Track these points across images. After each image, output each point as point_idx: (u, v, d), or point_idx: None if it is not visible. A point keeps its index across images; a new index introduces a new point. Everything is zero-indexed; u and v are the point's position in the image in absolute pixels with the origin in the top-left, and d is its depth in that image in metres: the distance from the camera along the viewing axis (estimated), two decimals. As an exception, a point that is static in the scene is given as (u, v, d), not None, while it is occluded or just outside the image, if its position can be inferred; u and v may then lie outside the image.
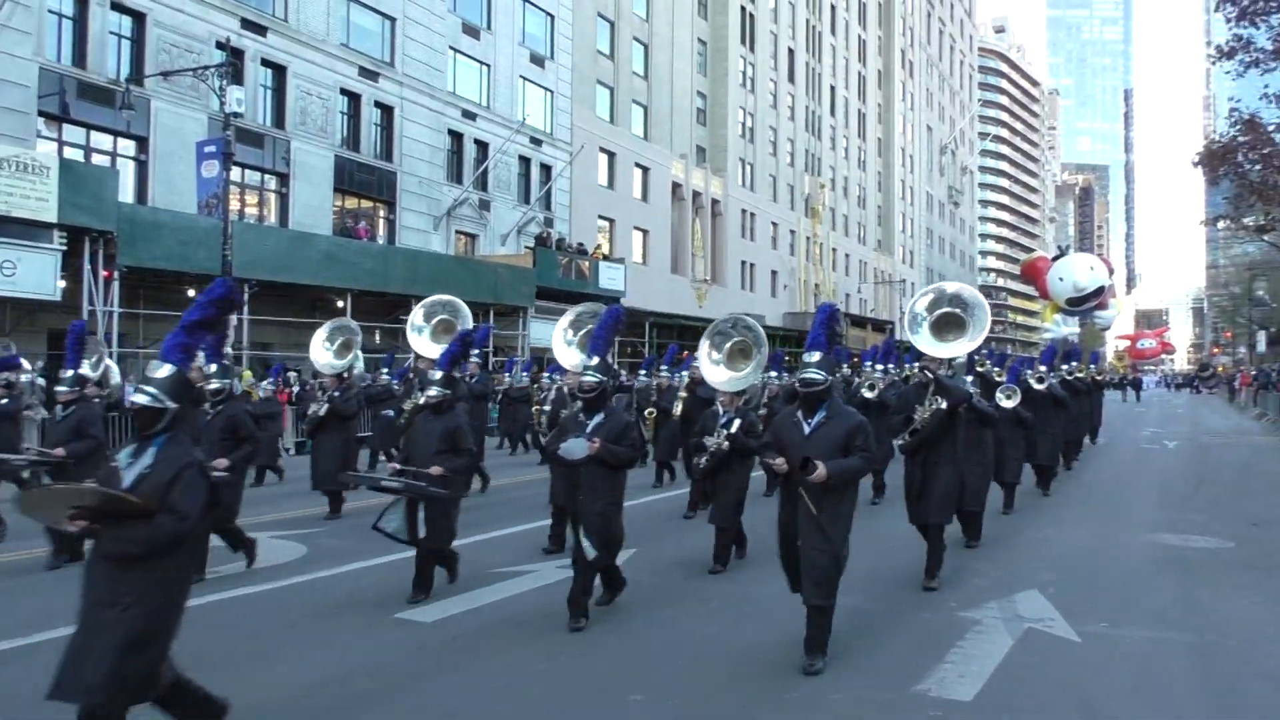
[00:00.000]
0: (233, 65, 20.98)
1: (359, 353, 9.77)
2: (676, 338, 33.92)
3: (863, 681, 5.50)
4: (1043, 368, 14.11)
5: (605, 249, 36.74)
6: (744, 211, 51.34)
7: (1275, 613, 7.04)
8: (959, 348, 7.72)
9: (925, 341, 7.61)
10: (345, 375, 10.54)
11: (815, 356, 5.76)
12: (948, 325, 7.56)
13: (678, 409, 12.86)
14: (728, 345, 7.93)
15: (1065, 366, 17.73)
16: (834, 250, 63.17)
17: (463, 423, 7.58)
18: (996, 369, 12.67)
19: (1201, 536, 10.13)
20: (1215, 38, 29.60)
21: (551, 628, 6.50)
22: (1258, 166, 28.31)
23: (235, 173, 22.24)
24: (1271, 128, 27.39)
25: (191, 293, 20.03)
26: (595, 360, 6.71)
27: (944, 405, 7.36)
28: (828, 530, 5.52)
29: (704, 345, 8.28)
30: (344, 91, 27.21)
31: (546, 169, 35.47)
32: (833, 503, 5.57)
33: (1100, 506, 12.57)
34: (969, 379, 8.97)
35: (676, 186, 44.58)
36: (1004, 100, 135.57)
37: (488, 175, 32.31)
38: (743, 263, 50.86)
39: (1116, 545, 9.73)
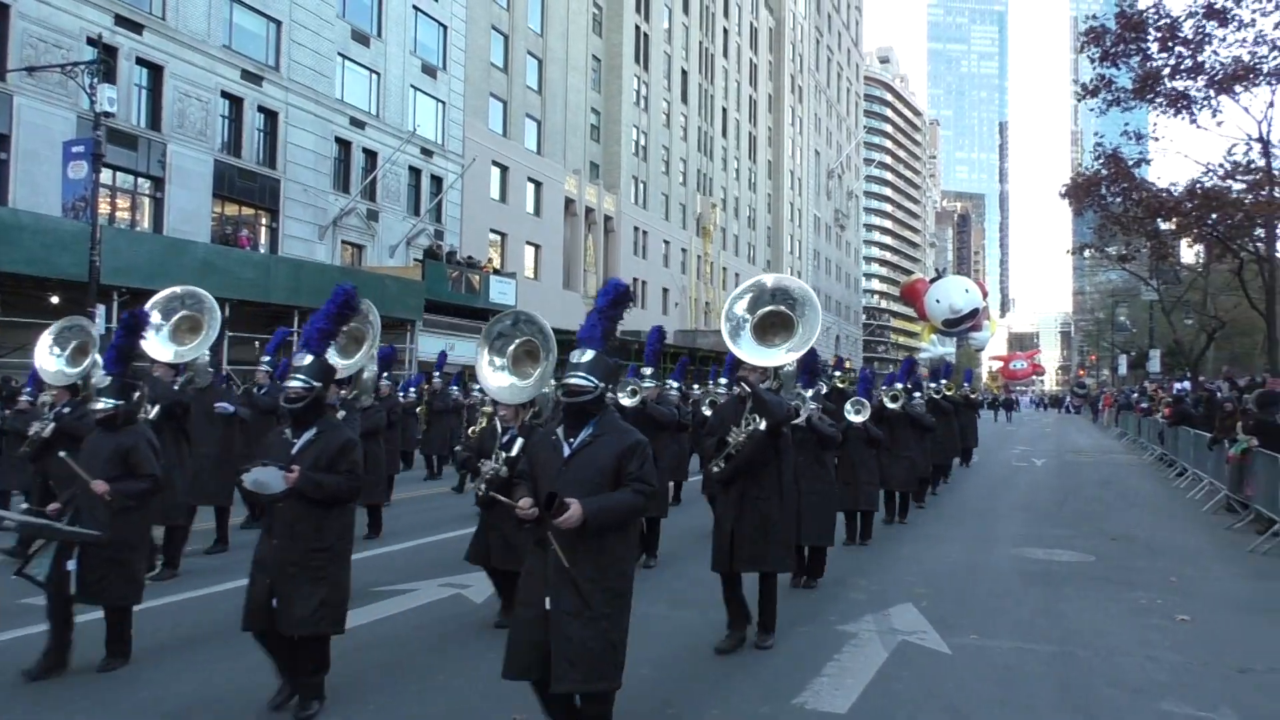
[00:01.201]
0: (105, 63, 20.04)
1: (97, 358, 7.84)
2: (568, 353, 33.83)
3: (741, 695, 5.55)
4: (898, 385, 12.75)
5: (497, 263, 36.47)
6: (636, 229, 51.70)
7: (1130, 624, 7.40)
8: (787, 354, 6.47)
9: (748, 349, 6.40)
10: (79, 385, 8.42)
11: (586, 356, 4.44)
12: (774, 327, 6.42)
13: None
14: (511, 348, 6.38)
15: (933, 385, 16.98)
16: (724, 269, 64.16)
17: (140, 442, 6.05)
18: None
19: (1065, 551, 10.60)
20: (1082, 76, 31.24)
21: (428, 648, 6.38)
22: (1119, 199, 29.94)
23: (105, 175, 21.27)
24: (1132, 163, 29.01)
25: (55, 299, 19.04)
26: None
27: (763, 425, 6.16)
28: (586, 593, 4.13)
29: (482, 349, 6.52)
30: (225, 94, 26.34)
31: (437, 181, 35.03)
32: (593, 554, 4.17)
33: (972, 522, 13.03)
34: (809, 393, 8.13)
35: (570, 202, 44.61)
36: (888, 128, 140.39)
37: (376, 185, 31.71)
38: (635, 280, 51.14)
39: (987, 560, 10.10)
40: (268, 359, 11.05)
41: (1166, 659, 6.39)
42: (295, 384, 5.15)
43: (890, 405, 12.17)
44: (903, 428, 12.26)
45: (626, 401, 9.56)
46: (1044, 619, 7.51)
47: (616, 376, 4.70)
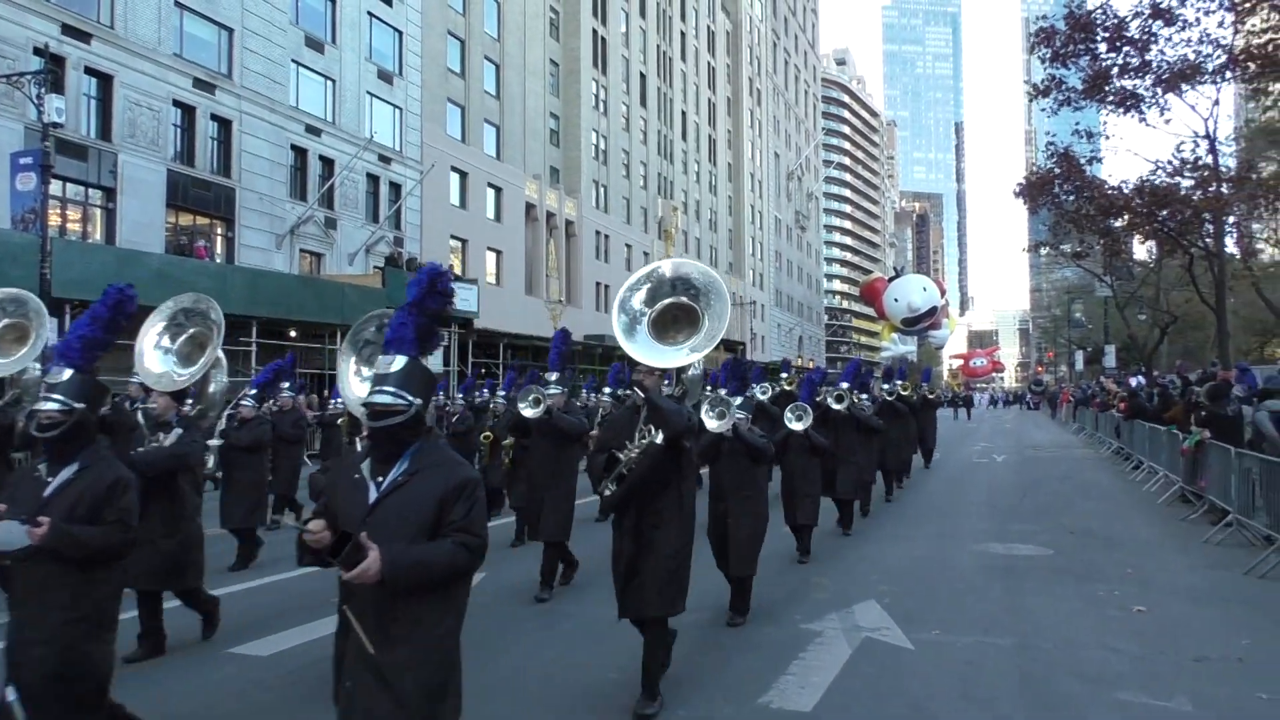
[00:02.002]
0: (52, 73, 19.73)
1: (47, 346, 6.85)
2: (532, 359, 33.76)
3: (707, 696, 5.58)
4: (843, 385, 11.93)
5: (458, 269, 36.27)
6: (598, 233, 51.68)
7: (1087, 615, 7.52)
8: (690, 354, 5.38)
9: (643, 347, 5.34)
10: (13, 380, 7.43)
11: (396, 364, 3.47)
12: (676, 322, 5.44)
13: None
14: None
15: (885, 385, 16.57)
16: (686, 272, 64.23)
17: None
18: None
19: (1025, 545, 10.74)
20: (1034, 76, 31.74)
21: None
22: (1072, 197, 30.44)
23: (55, 186, 20.88)
24: (1084, 161, 29.51)
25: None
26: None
27: (660, 439, 5.18)
28: (397, 690, 3.18)
29: (347, 357, 5.72)
30: (177, 103, 25.97)
31: (396, 187, 34.78)
32: (405, 629, 3.22)
33: (934, 519, 13.15)
34: (737, 400, 7.50)
35: (530, 207, 44.50)
36: (846, 130, 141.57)
37: (334, 193, 31.43)
38: (597, 284, 51.12)
39: (949, 555, 10.21)
40: (253, 392, 10.23)
41: (1124, 649, 6.49)
42: (49, 407, 4.05)
43: (835, 407, 11.46)
44: (848, 431, 11.60)
45: (529, 412, 8.71)
46: (1005, 613, 7.61)
47: (433, 389, 3.59)
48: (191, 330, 6.40)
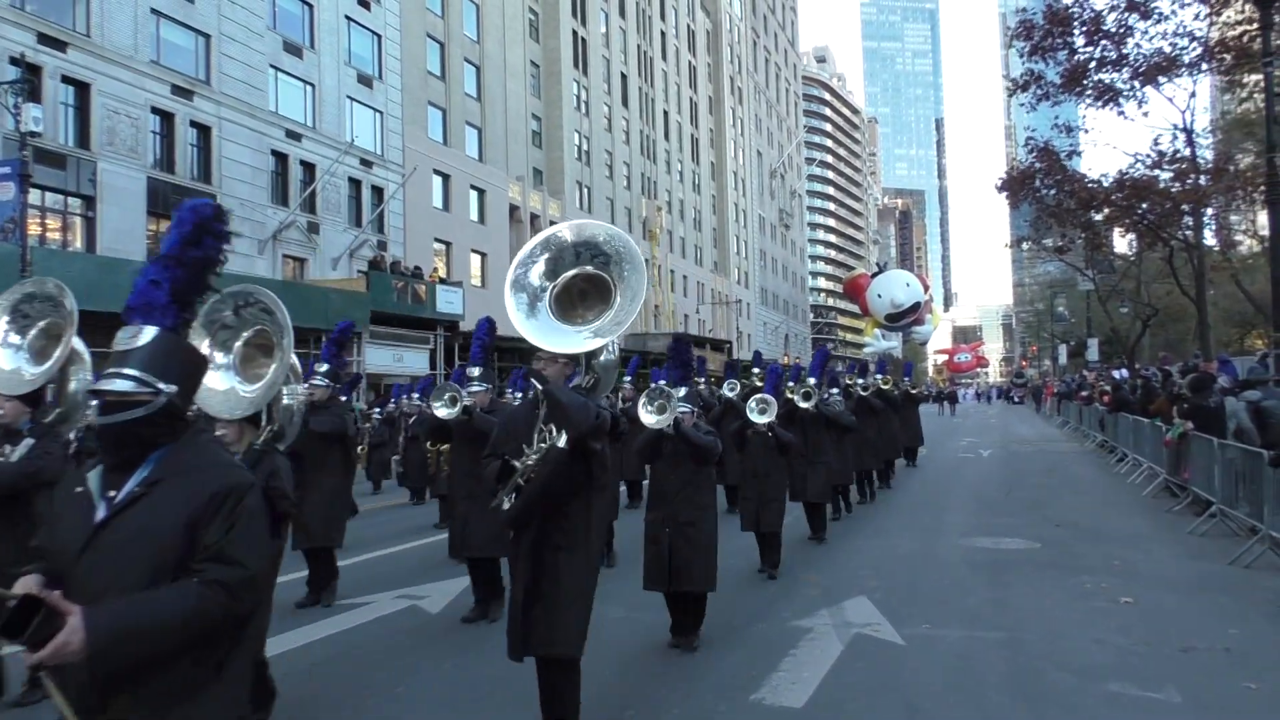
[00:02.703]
0: (29, 82, 19.57)
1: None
2: (518, 361, 33.68)
3: (699, 693, 5.58)
4: (809, 381, 10.80)
5: (442, 272, 36.19)
6: (581, 234, 51.64)
7: (1075, 607, 7.56)
8: (588, 337, 4.43)
9: (543, 329, 4.40)
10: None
11: (141, 337, 2.63)
12: (584, 297, 4.53)
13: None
14: (239, 342, 4.34)
15: (860, 381, 15.41)
16: (672, 272, 64.36)
17: None
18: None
19: (1012, 539, 10.81)
20: (1013, 71, 31.89)
21: (387, 661, 6.31)
22: (1053, 191, 30.59)
23: (34, 195, 20.71)
24: (1064, 155, 29.67)
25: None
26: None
27: (562, 441, 4.32)
28: None
29: (199, 345, 3.96)
30: (156, 110, 25.81)
31: (378, 191, 34.66)
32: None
33: (922, 514, 13.21)
34: (680, 392, 6.62)
35: (514, 209, 44.45)
36: (828, 127, 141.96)
37: (316, 197, 31.30)
38: (581, 285, 51.09)
39: (937, 550, 10.25)
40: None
41: (1112, 641, 6.54)
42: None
43: (802, 405, 10.27)
44: (817, 430, 10.63)
45: (442, 412, 7.72)
46: (993, 607, 7.65)
47: (198, 371, 2.77)
48: (42, 322, 5.40)
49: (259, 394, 4.33)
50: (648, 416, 6.33)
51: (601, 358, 5.05)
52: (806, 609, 7.53)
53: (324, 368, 8.40)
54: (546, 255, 4.54)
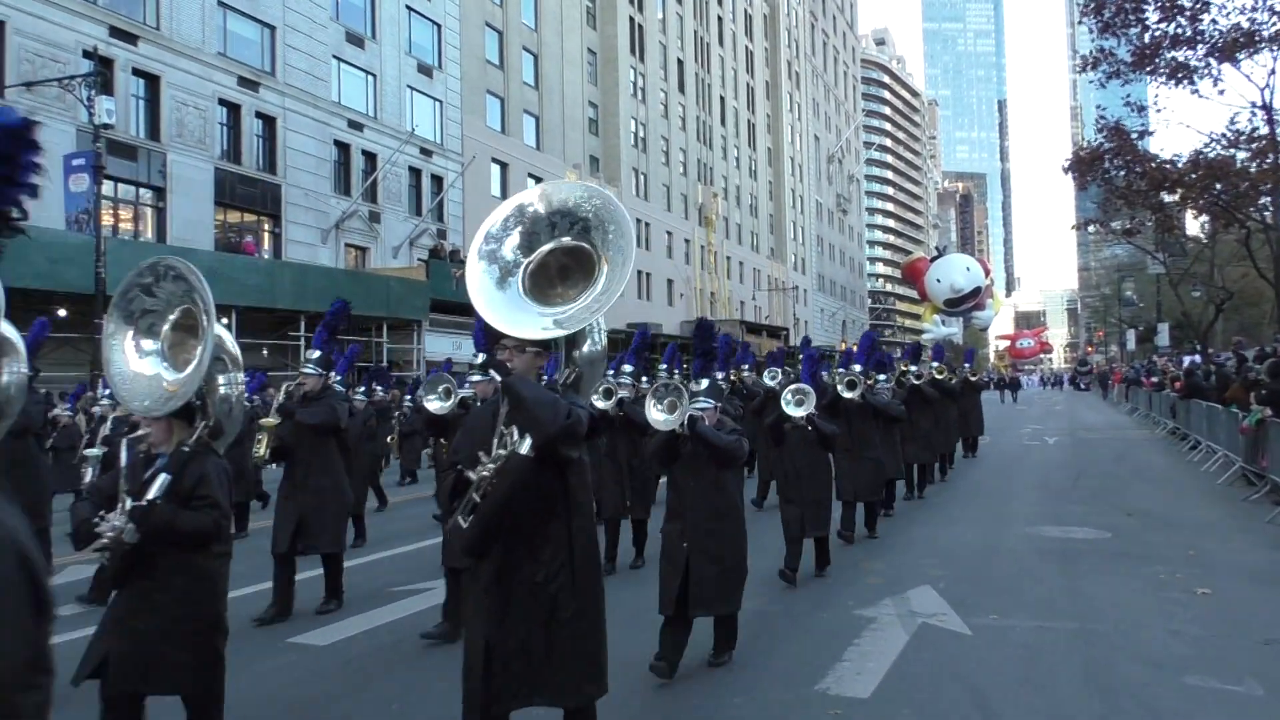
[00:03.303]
0: (101, 75, 20.11)
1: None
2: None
3: (763, 683, 5.54)
4: (854, 367, 10.13)
5: (500, 260, 36.43)
6: (639, 220, 51.62)
7: (1148, 598, 7.37)
8: (549, 326, 3.62)
9: (508, 309, 3.65)
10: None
11: None
12: (566, 274, 3.76)
13: None
14: (165, 326, 3.97)
15: (914, 368, 14.49)
16: (728, 258, 64.08)
17: None
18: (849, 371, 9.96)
19: (1081, 528, 10.56)
20: (1080, 50, 31.08)
21: (448, 644, 6.37)
22: (1123, 172, 29.80)
23: (107, 187, 21.29)
24: (1135, 135, 28.88)
25: (63, 312, 19.09)
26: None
27: (525, 447, 3.50)
28: None
29: (120, 331, 4.02)
30: (223, 102, 26.35)
31: (438, 180, 35.01)
32: None
33: (987, 502, 12.99)
34: (702, 384, 5.87)
35: (570, 197, 44.57)
36: (886, 110, 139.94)
37: (377, 187, 31.71)
38: (639, 272, 51.10)
39: (1003, 539, 10.07)
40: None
41: (1188, 632, 6.36)
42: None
43: (846, 394, 9.46)
44: (863, 421, 9.79)
45: (435, 405, 7.51)
46: (1063, 597, 7.49)
47: None
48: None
49: (184, 383, 3.84)
50: (656, 415, 5.52)
51: (585, 348, 4.04)
52: (870, 598, 7.44)
53: (315, 354, 7.47)
54: (520, 229, 3.81)
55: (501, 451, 3.60)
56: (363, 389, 13.25)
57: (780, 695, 5.35)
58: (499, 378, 3.71)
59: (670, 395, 5.67)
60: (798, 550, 7.98)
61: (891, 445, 11.11)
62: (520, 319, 3.61)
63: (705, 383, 5.89)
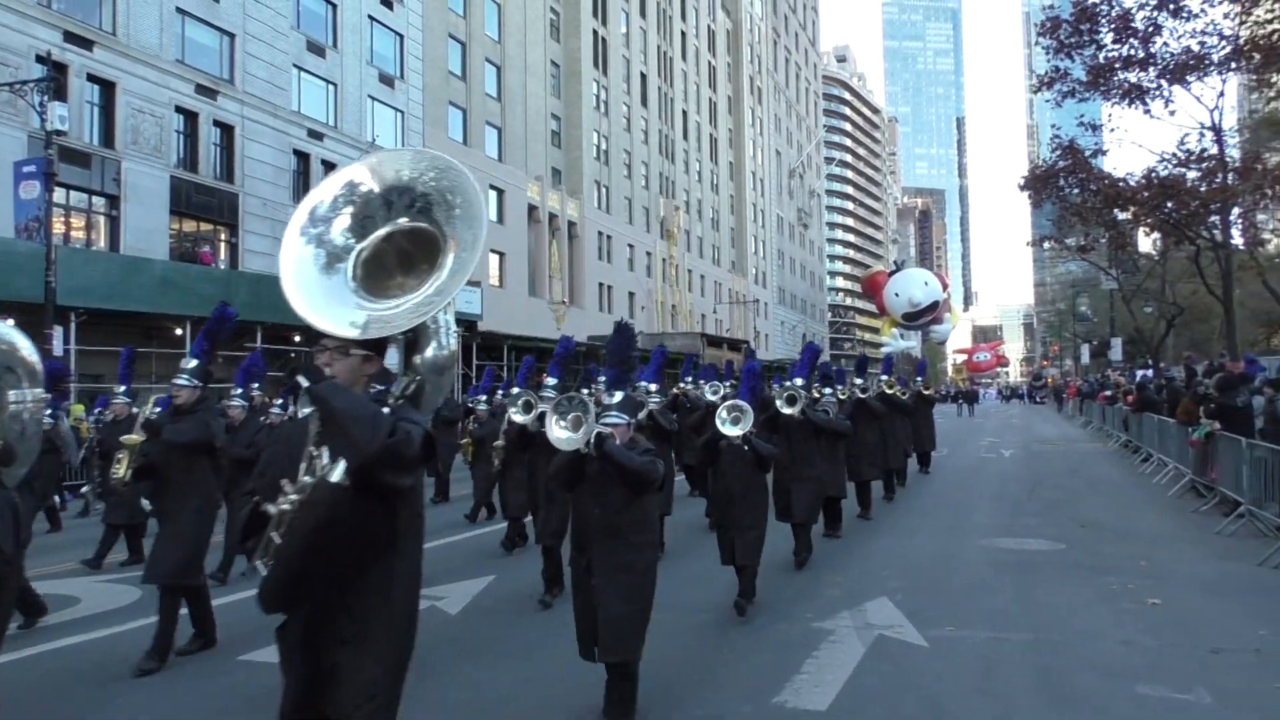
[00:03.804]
0: (55, 80, 19.75)
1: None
2: (536, 360, 33.69)
3: (722, 696, 5.53)
4: (796, 381, 9.34)
5: (461, 272, 36.24)
6: (600, 233, 51.65)
7: (1101, 608, 7.47)
8: (413, 306, 3.02)
9: (325, 294, 3.11)
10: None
11: None
12: (408, 261, 3.17)
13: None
14: None
15: (858, 382, 13.37)
16: (690, 271, 64.29)
17: None
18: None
19: (1036, 539, 10.69)
20: (1037, 69, 31.65)
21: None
22: (1077, 190, 30.32)
23: (59, 194, 20.91)
24: (1089, 153, 29.41)
25: (10, 322, 18.69)
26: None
27: (337, 474, 2.91)
28: None
29: None
30: (180, 109, 26.01)
31: (399, 191, 34.78)
32: None
33: (944, 514, 13.09)
34: (615, 397, 5.24)
35: (532, 208, 44.49)
36: (847, 126, 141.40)
37: (337, 197, 31.43)
38: (600, 284, 51.11)
39: (960, 550, 10.15)
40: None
41: (1140, 642, 6.45)
42: None
43: (786, 410, 8.68)
44: (804, 439, 9.05)
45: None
46: (1018, 607, 7.56)
47: None
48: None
49: None
50: (559, 432, 4.80)
51: (428, 352, 3.23)
52: (828, 610, 7.46)
53: (191, 364, 6.69)
54: (351, 209, 3.21)
55: (308, 479, 2.95)
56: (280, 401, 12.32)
57: (738, 708, 5.35)
58: (306, 384, 2.90)
59: (574, 410, 4.95)
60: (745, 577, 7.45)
61: (836, 463, 10.57)
62: (332, 312, 3.04)
63: (618, 396, 5.25)
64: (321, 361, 3.03)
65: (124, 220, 24.18)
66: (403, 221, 3.17)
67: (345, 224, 3.21)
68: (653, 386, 10.36)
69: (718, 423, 7.28)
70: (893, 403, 14.45)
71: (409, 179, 3.22)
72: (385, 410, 2.94)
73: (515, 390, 9.38)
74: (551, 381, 8.88)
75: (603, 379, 8.82)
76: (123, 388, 9.69)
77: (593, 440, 4.82)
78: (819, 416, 9.37)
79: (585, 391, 9.15)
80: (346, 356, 3.05)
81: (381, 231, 3.19)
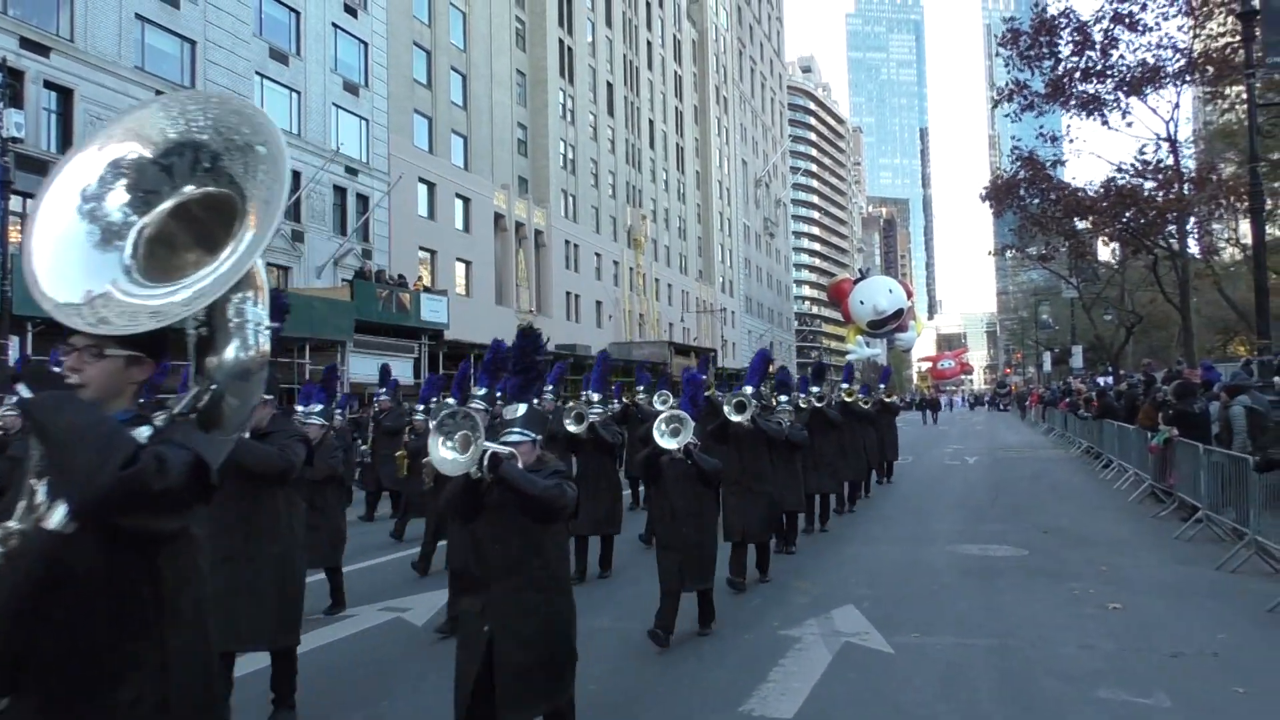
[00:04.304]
0: (11, 87, 19.40)
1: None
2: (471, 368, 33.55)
3: (689, 705, 5.53)
4: (746, 389, 8.80)
5: (427, 281, 36.08)
6: (567, 242, 51.61)
7: (1063, 613, 7.55)
8: (201, 289, 2.28)
9: (79, 278, 2.37)
10: None
11: None
12: (203, 234, 2.48)
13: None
14: None
15: (814, 390, 12.75)
16: (657, 280, 64.39)
17: None
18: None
19: (1000, 545, 10.80)
20: (998, 82, 32.15)
21: (371, 674, 6.24)
22: (1037, 200, 30.80)
23: (15, 202, 20.53)
24: (1048, 164, 29.89)
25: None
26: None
27: (56, 519, 2.14)
28: None
29: None
30: (140, 117, 25.64)
31: (363, 199, 34.54)
32: None
33: (909, 521, 13.19)
34: (519, 410, 4.42)
35: (499, 217, 44.37)
36: (812, 136, 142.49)
37: (300, 205, 31.15)
38: (567, 293, 51.05)
39: (925, 558, 10.23)
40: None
41: (1101, 647, 6.53)
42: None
43: (735, 418, 8.23)
44: (755, 450, 8.53)
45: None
46: (982, 613, 7.63)
47: None
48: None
49: None
50: (443, 453, 4.04)
51: (228, 354, 2.47)
52: (795, 618, 7.49)
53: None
54: (124, 182, 2.52)
55: (12, 525, 2.19)
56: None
57: (705, 717, 5.36)
58: (22, 395, 2.21)
59: (463, 427, 4.04)
60: (672, 606, 6.72)
61: (792, 476, 9.95)
62: (71, 289, 2.35)
63: (522, 409, 4.43)
64: (68, 365, 2.32)
65: (82, 229, 23.79)
66: (189, 190, 2.51)
67: (122, 198, 2.52)
68: (595, 396, 9.95)
69: (655, 435, 6.81)
70: (853, 412, 13.94)
71: (184, 130, 2.53)
72: (146, 429, 2.26)
73: (446, 402, 9.24)
74: (480, 392, 7.85)
75: (480, 390, 8.11)
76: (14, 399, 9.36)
77: (485, 461, 3.98)
78: (771, 426, 8.79)
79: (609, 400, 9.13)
80: (100, 359, 2.33)
81: (169, 204, 2.52)
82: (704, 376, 8.32)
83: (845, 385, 14.29)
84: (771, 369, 10.85)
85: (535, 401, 6.03)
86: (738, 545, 8.48)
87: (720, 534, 7.73)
